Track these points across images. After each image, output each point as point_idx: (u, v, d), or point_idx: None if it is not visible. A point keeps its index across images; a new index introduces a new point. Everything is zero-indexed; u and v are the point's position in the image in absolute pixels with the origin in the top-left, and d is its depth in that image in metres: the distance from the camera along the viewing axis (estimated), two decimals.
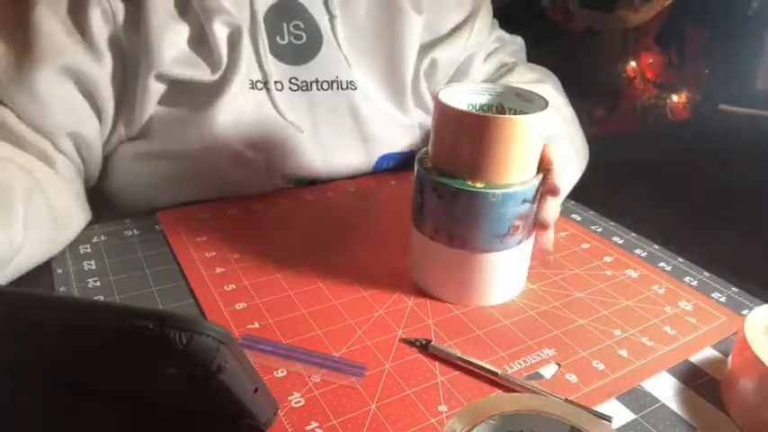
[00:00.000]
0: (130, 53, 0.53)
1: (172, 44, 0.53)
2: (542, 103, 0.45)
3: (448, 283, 0.48)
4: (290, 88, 0.61)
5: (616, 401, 0.39)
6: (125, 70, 0.54)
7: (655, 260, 0.56)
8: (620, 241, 0.59)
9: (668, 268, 0.55)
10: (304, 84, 0.62)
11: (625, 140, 0.98)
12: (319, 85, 0.62)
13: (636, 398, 0.39)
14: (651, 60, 1.60)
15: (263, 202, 0.62)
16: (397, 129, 0.68)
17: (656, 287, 0.52)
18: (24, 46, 0.49)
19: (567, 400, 0.38)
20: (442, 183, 0.44)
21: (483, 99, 0.48)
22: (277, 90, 0.60)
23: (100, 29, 0.51)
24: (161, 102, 0.56)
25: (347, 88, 0.64)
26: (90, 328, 0.27)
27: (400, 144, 0.69)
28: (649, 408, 0.39)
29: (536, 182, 0.45)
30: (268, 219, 0.59)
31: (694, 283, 0.53)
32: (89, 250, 0.52)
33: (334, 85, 0.63)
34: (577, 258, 0.55)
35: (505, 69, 0.72)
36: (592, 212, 0.64)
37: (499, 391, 0.39)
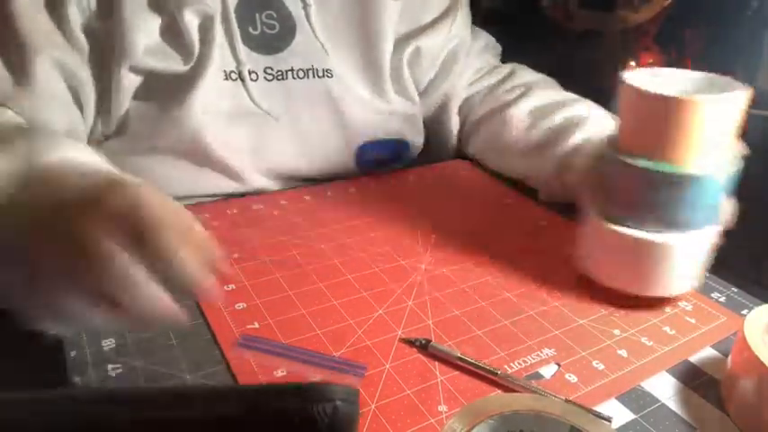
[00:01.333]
0: (105, 46, 0.53)
1: (144, 35, 0.53)
2: (737, 87, 0.45)
3: (627, 271, 0.48)
4: (265, 78, 0.61)
5: (616, 401, 0.39)
6: (102, 64, 0.54)
7: None
8: None
9: None
10: (279, 73, 0.61)
11: None
12: (295, 73, 0.62)
13: (636, 398, 0.39)
14: (651, 60, 1.60)
15: (262, 202, 0.62)
16: (375, 116, 0.68)
17: None
18: (15, 45, 0.49)
19: (566, 400, 0.37)
20: (646, 168, 0.44)
21: (679, 86, 0.48)
22: (252, 80, 0.60)
23: (77, 22, 0.52)
24: (135, 96, 0.56)
25: (323, 76, 0.64)
26: (224, 419, 0.24)
27: (381, 132, 0.69)
28: (649, 408, 0.39)
29: (735, 166, 0.45)
30: (268, 219, 0.59)
31: None
32: None
33: (310, 73, 0.63)
34: None
35: (508, 73, 0.74)
36: None
37: (499, 391, 0.39)
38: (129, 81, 0.55)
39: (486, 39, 0.79)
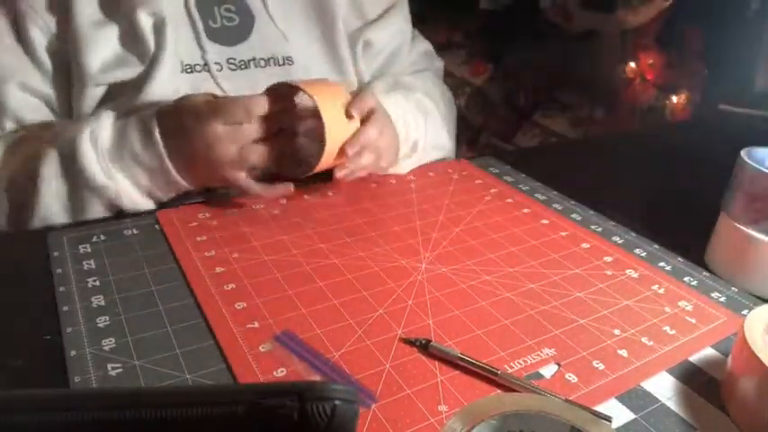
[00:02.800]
0: (68, 64, 0.58)
1: (102, 47, 0.57)
2: None
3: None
4: (229, 68, 0.64)
5: (616, 401, 0.39)
6: (66, 80, 0.59)
7: (655, 260, 0.56)
8: (620, 241, 0.59)
9: (668, 268, 0.55)
10: (242, 63, 0.64)
11: (625, 140, 0.98)
12: (257, 62, 0.65)
13: (636, 398, 0.39)
14: (651, 61, 1.60)
15: (263, 202, 0.61)
16: None
17: (656, 287, 0.52)
18: None
19: (566, 400, 0.37)
20: None
21: None
22: (217, 71, 0.63)
23: (41, 44, 0.57)
24: (98, 104, 0.59)
25: (284, 64, 0.67)
26: (218, 418, 0.24)
27: None
28: (649, 408, 0.39)
29: None
30: (268, 218, 0.59)
31: (694, 282, 0.53)
32: (89, 250, 0.52)
33: (272, 61, 0.66)
34: (577, 258, 0.55)
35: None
36: (592, 212, 0.64)
37: (499, 391, 0.39)
38: (90, 94, 0.58)
39: (425, 46, 0.83)
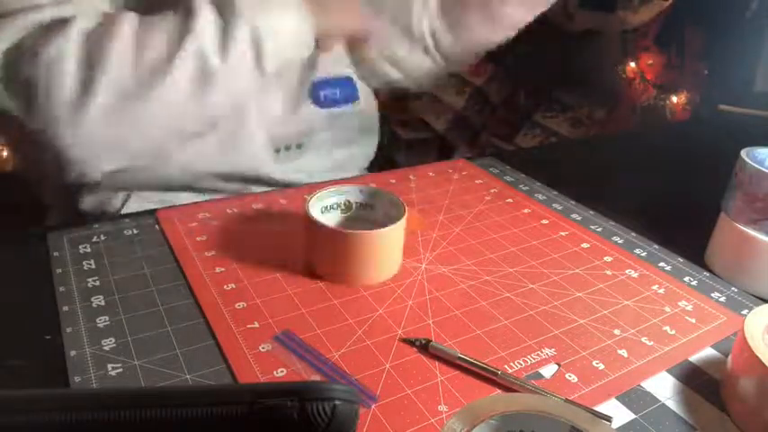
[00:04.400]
0: None
1: None
2: None
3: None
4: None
5: (616, 401, 0.39)
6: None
7: (655, 260, 0.56)
8: (620, 241, 0.59)
9: (668, 268, 0.55)
10: None
11: (625, 141, 0.98)
12: None
13: (636, 398, 0.39)
14: (651, 61, 1.60)
15: (263, 202, 0.62)
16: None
17: (656, 287, 0.52)
18: None
19: (566, 400, 0.38)
20: None
21: None
22: None
23: None
24: None
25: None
26: (218, 418, 0.24)
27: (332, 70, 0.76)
28: (649, 408, 0.39)
29: None
30: (268, 218, 0.59)
31: (694, 282, 0.53)
32: (89, 250, 0.52)
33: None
34: (577, 258, 0.55)
35: None
36: (592, 212, 0.64)
37: (499, 391, 0.39)
38: None
39: None
